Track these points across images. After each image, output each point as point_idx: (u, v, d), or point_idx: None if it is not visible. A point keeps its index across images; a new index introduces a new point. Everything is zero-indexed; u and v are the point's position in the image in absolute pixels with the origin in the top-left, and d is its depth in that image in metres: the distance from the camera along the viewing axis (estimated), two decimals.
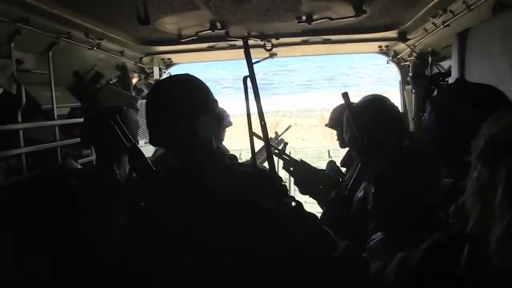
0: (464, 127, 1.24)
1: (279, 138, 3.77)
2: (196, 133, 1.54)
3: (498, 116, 1.05)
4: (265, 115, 1.42)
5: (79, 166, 2.43)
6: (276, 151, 3.03)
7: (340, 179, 2.79)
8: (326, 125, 3.19)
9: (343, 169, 3.00)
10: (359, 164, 2.35)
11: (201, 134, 1.55)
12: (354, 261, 1.48)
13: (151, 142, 1.63)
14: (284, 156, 3.01)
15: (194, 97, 1.56)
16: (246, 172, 1.57)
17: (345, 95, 2.03)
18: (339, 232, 1.57)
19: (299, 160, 3.03)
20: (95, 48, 3.06)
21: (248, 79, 1.41)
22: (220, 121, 3.33)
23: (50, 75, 2.68)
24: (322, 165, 3.33)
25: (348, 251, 1.49)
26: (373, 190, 1.89)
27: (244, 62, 1.40)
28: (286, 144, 3.23)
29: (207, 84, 1.62)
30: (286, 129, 3.91)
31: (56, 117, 2.73)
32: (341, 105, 2.87)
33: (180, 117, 1.53)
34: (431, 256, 1.20)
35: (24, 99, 2.29)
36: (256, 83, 1.41)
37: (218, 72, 38.28)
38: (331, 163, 3.11)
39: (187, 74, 1.63)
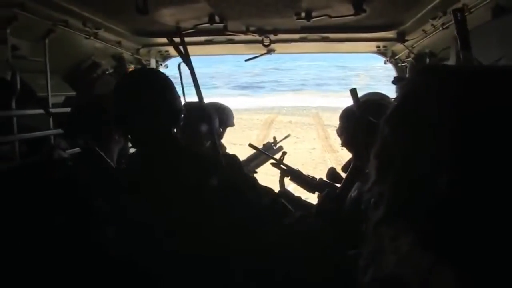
0: None
1: (278, 145, 3.72)
2: (158, 122, 1.75)
3: None
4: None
5: (66, 156, 2.42)
6: (274, 161, 3.04)
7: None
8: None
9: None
10: (351, 164, 2.34)
11: (163, 124, 1.77)
12: (306, 226, 1.61)
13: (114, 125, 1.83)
14: (281, 165, 3.03)
15: (159, 90, 1.76)
16: (193, 155, 1.80)
17: (354, 92, 1.99)
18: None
19: (296, 169, 3.03)
20: (92, 38, 3.02)
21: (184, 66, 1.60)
22: (225, 118, 3.35)
23: (46, 62, 2.65)
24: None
25: (300, 219, 1.63)
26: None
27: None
28: (284, 153, 3.23)
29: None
30: (285, 138, 3.90)
31: (50, 105, 2.71)
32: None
33: (148, 107, 1.72)
34: None
35: (18, 86, 2.27)
36: (193, 70, 1.70)
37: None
38: (331, 170, 3.06)
39: (152, 69, 1.87)
